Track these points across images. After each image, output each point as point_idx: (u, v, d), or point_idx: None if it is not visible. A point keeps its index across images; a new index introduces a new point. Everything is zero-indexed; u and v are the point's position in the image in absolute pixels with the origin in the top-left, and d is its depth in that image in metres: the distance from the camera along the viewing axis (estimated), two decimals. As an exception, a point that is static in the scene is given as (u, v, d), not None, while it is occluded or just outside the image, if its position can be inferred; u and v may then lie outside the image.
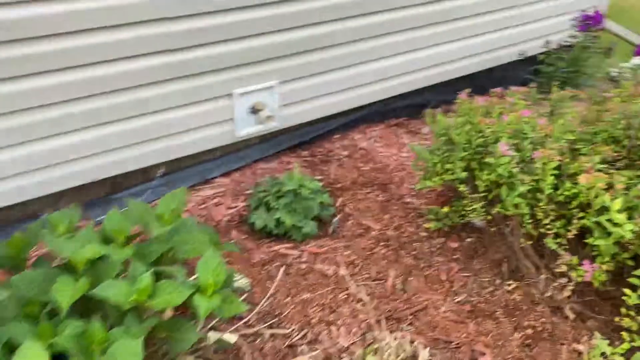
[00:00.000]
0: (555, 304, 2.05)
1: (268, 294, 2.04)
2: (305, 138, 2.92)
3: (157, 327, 1.50)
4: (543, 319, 2.00)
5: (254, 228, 2.31)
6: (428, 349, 1.81)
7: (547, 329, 1.97)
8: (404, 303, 2.06)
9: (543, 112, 2.21)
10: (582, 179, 1.75)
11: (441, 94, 3.30)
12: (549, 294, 2.06)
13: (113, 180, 2.41)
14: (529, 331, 1.96)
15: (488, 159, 1.95)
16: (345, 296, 2.06)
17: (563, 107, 2.11)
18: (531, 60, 3.45)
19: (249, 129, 2.58)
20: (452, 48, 3.19)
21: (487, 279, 2.19)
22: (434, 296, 2.10)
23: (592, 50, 3.01)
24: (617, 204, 1.70)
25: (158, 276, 1.47)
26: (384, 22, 2.81)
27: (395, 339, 1.81)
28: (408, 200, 2.63)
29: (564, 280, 2.00)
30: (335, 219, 2.39)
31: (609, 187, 1.76)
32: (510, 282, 2.14)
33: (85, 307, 1.45)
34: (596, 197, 1.73)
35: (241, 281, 1.87)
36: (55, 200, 2.28)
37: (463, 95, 2.25)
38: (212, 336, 1.70)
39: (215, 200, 2.52)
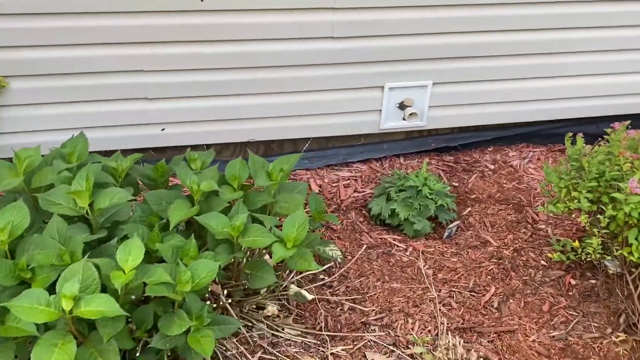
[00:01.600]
0: (668, 373, 1.81)
1: (362, 273, 2.17)
2: (452, 143, 2.93)
3: (244, 264, 1.75)
4: (645, 383, 1.79)
5: (370, 213, 2.44)
6: (482, 360, 1.77)
7: (646, 394, 1.76)
8: (492, 320, 2.01)
9: None
10: None
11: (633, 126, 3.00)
12: (663, 359, 1.82)
13: (268, 144, 2.74)
14: (621, 389, 1.77)
15: (616, 195, 1.79)
16: (434, 297, 2.08)
17: None
18: None
19: (394, 122, 2.71)
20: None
21: (596, 325, 2.01)
22: (528, 323, 2.01)
23: None
24: None
25: (256, 221, 1.71)
26: (559, 40, 2.68)
27: (464, 349, 1.80)
28: (542, 226, 2.50)
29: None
30: (453, 224, 2.40)
31: None
32: (620, 334, 1.93)
33: (198, 230, 1.76)
34: None
35: (335, 252, 2.03)
36: (220, 150, 2.68)
37: (617, 125, 2.07)
38: (293, 288, 1.90)
39: (348, 182, 2.71)
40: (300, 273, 2.04)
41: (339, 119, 2.67)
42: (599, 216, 1.87)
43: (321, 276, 2.13)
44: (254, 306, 1.90)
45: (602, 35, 2.69)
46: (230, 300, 1.76)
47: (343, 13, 2.36)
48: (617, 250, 1.91)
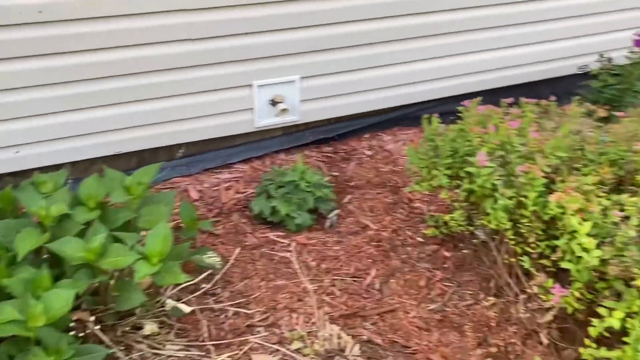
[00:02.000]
0: (533, 328, 1.95)
1: (246, 275, 2.15)
2: (329, 135, 2.98)
3: (113, 285, 1.67)
4: (513, 340, 1.92)
5: (253, 213, 2.43)
6: (358, 345, 1.82)
7: (515, 350, 1.89)
8: (375, 302, 2.07)
9: (551, 127, 2.10)
10: (553, 198, 1.67)
11: (491, 102, 3.19)
12: (527, 315, 1.96)
13: (140, 154, 2.63)
14: (493, 349, 1.89)
15: (469, 169, 1.90)
16: (317, 287, 2.11)
17: (568, 124, 1.99)
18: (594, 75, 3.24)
19: (268, 120, 2.70)
20: (498, 56, 3.08)
21: (470, 292, 2.13)
22: (408, 300, 2.08)
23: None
24: (586, 227, 1.60)
25: (118, 240, 1.64)
26: (422, 24, 2.79)
27: (346, 335, 1.84)
28: (417, 205, 2.61)
29: (547, 303, 1.90)
30: (333, 213, 2.44)
31: (583, 209, 1.65)
32: (491, 298, 2.07)
33: (54, 258, 1.65)
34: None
35: (213, 258, 1.99)
36: (87, 167, 2.54)
37: (468, 103, 2.19)
38: (170, 303, 1.84)
39: (229, 184, 2.67)
40: (179, 285, 1.98)
41: (212, 121, 2.63)
42: (456, 191, 1.98)
43: (203, 285, 2.08)
44: (131, 327, 1.82)
45: (452, 18, 2.83)
46: (100, 326, 1.67)
47: (198, 14, 2.31)
48: (479, 220, 2.04)
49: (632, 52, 2.84)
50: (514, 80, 3.19)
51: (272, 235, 2.37)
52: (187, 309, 1.87)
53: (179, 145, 2.67)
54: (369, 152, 2.98)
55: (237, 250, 2.25)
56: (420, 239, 2.38)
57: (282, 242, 2.33)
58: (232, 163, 2.79)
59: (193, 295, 2.02)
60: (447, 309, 2.05)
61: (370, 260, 2.26)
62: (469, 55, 3.01)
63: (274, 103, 2.66)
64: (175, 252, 1.72)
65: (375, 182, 2.75)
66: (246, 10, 2.39)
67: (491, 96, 3.13)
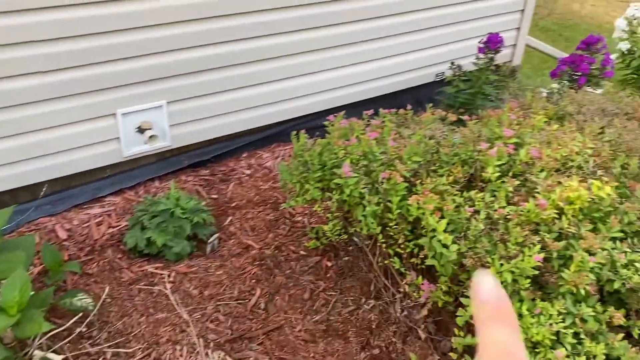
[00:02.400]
0: (411, 325, 2.06)
1: (124, 313, 2.06)
2: (205, 157, 2.94)
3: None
4: (394, 339, 2.01)
5: (127, 247, 2.33)
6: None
7: (396, 349, 1.98)
8: (260, 322, 2.07)
9: (409, 134, 2.24)
10: (411, 200, 1.78)
11: (360, 113, 3.33)
12: (405, 314, 2.07)
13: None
14: (376, 351, 1.97)
15: (337, 180, 1.97)
16: (201, 315, 2.07)
17: (422, 130, 2.14)
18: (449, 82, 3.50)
19: (137, 148, 2.61)
20: (361, 70, 3.23)
21: (352, 298, 2.20)
22: (293, 315, 2.11)
23: (495, 72, 3.05)
24: (442, 224, 1.72)
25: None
26: (286, 43, 2.85)
27: (217, 359, 1.82)
28: (299, 219, 2.65)
29: (422, 300, 2.01)
30: (213, 237, 2.41)
31: (440, 208, 1.78)
32: (371, 301, 2.15)
33: None
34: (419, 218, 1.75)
35: (85, 300, 1.89)
36: None
37: (332, 118, 2.28)
38: (38, 354, 1.72)
39: (100, 219, 2.54)
40: (49, 333, 1.85)
41: (76, 154, 2.49)
42: (328, 202, 2.05)
43: (78, 328, 1.95)
44: (-6, 388, 1.66)
45: (315, 36, 2.93)
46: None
47: (48, 46, 2.19)
48: (353, 228, 2.12)
49: (478, 58, 3.12)
50: (379, 91, 3.37)
51: (150, 268, 2.29)
52: (57, 357, 1.75)
53: (42, 183, 2.50)
54: (248, 171, 2.99)
55: (108, 288, 2.14)
56: (303, 252, 2.43)
57: (162, 274, 2.26)
58: (102, 196, 2.67)
59: (66, 341, 1.89)
60: (332, 318, 2.11)
61: (254, 280, 2.26)
62: (335, 71, 3.13)
63: (141, 130, 2.58)
64: (38, 299, 1.60)
65: (256, 200, 2.77)
66: (103, 38, 2.30)
67: (359, 108, 3.27)
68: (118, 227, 2.49)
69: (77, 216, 2.54)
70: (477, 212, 1.75)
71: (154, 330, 1.99)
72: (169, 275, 2.25)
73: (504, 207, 1.72)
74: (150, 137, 2.53)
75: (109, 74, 2.38)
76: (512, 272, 1.61)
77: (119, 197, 2.68)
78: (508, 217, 1.70)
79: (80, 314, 1.92)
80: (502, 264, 1.64)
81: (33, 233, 2.35)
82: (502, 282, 1.65)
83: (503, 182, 1.81)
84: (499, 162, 1.85)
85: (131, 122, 2.53)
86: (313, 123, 3.28)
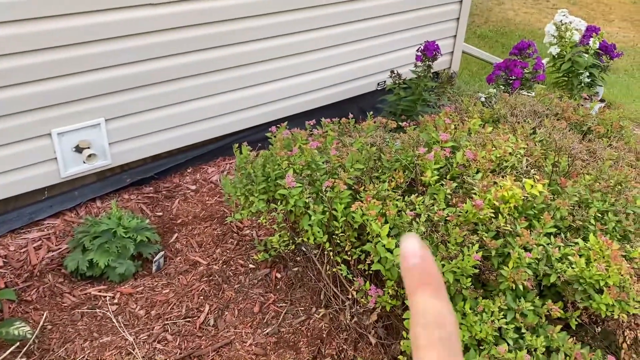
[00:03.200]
0: (361, 331, 2.07)
1: (66, 339, 1.98)
2: (149, 174, 2.88)
3: None
4: (345, 346, 2.02)
5: (69, 270, 2.25)
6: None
7: (348, 356, 1.99)
8: (210, 339, 2.04)
9: (350, 142, 2.26)
10: (353, 207, 1.80)
11: (303, 124, 3.35)
12: (354, 320, 2.08)
13: None
14: (328, 360, 1.97)
15: (282, 191, 1.97)
16: (147, 336, 2.01)
17: (362, 138, 2.17)
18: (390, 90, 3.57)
19: (76, 168, 2.53)
20: (309, 79, 3.25)
21: (302, 308, 2.20)
22: (243, 330, 2.08)
23: (434, 79, 3.13)
24: (385, 229, 1.74)
25: None
26: (232, 55, 2.84)
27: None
28: (247, 232, 2.63)
29: (371, 305, 2.02)
30: (159, 256, 2.36)
31: (383, 214, 1.80)
32: (321, 310, 2.15)
33: None
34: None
35: (22, 329, 1.80)
36: None
37: (274, 129, 2.28)
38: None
39: (39, 243, 2.44)
40: (-17, 367, 1.76)
41: (9, 177, 2.39)
42: (273, 213, 2.04)
43: (17, 358, 1.87)
44: None
45: (251, 48, 2.93)
46: None
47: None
48: (300, 238, 2.12)
49: (416, 66, 3.19)
50: (323, 101, 3.40)
51: (93, 290, 2.21)
52: (-8, 392, 1.66)
53: (-27, 209, 2.39)
54: (194, 187, 2.94)
55: (48, 314, 2.06)
56: (252, 265, 2.41)
57: (105, 296, 2.19)
58: (41, 219, 2.57)
59: (3, 374, 1.80)
60: (282, 330, 2.09)
61: (203, 297, 2.22)
62: (279, 82, 3.13)
63: (79, 149, 2.51)
64: (-33, 331, 1.52)
65: (203, 216, 2.73)
66: (30, 56, 2.23)
67: (303, 119, 3.30)
68: (58, 251, 2.41)
69: (14, 241, 2.43)
70: (418, 215, 1.79)
71: (98, 354, 1.93)
72: (112, 297, 2.18)
73: (443, 209, 1.76)
74: (89, 156, 2.46)
75: (40, 92, 2.31)
76: (454, 272, 1.65)
77: (58, 220, 2.59)
78: (447, 218, 1.74)
79: (18, 344, 1.83)
80: (443, 265, 1.68)
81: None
82: (445, 283, 1.69)
83: (442, 184, 1.86)
84: (437, 166, 1.89)
85: (68, 141, 2.46)
86: (258, 135, 3.27)
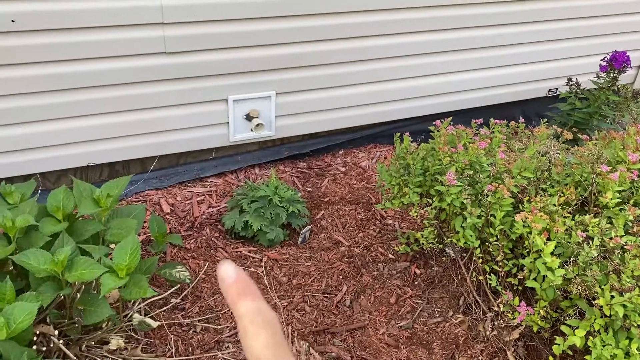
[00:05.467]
0: (500, 345, 1.97)
1: (216, 291, 2.13)
2: (304, 150, 2.99)
3: (77, 299, 1.64)
4: (480, 358, 1.94)
5: (225, 228, 2.42)
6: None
7: (482, 368, 1.91)
8: (345, 319, 2.07)
9: (519, 148, 2.15)
10: (518, 217, 1.70)
11: (463, 121, 3.25)
12: (494, 333, 1.99)
13: (112, 166, 2.61)
14: (460, 367, 1.91)
15: (439, 187, 1.93)
16: (288, 303, 2.10)
17: (535, 145, 2.04)
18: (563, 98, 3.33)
19: (243, 134, 2.70)
20: (470, 77, 3.14)
21: (439, 310, 2.15)
22: (377, 317, 2.09)
23: (616, 93, 2.85)
24: (550, 247, 1.63)
25: (85, 253, 1.62)
26: (396, 44, 2.83)
27: (300, 348, 1.83)
28: (389, 222, 2.63)
29: (514, 322, 1.93)
30: (306, 229, 2.44)
31: (548, 229, 1.69)
32: (459, 315, 2.09)
33: (18, 272, 1.62)
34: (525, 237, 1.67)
35: (182, 273, 1.98)
36: (58, 177, 2.51)
37: (438, 123, 2.23)
38: (137, 317, 1.82)
39: (202, 198, 2.66)
40: (147, 299, 1.96)
41: (186, 134, 2.62)
42: (427, 208, 2.01)
43: (172, 299, 2.06)
44: (97, 342, 1.78)
45: (427, 39, 2.89)
46: (64, 341, 1.64)
47: (173, 28, 2.31)
48: (448, 238, 2.06)
49: (598, 77, 2.93)
50: (486, 101, 3.26)
51: (244, 250, 2.36)
52: (154, 323, 1.84)
53: (153, 158, 2.65)
54: (343, 169, 3.00)
55: (205, 264, 2.23)
56: (391, 256, 2.40)
57: (254, 258, 2.32)
58: (205, 177, 2.78)
59: (161, 309, 1.99)
60: (417, 326, 2.07)
61: (342, 277, 2.26)
62: (442, 76, 3.06)
63: (249, 118, 2.67)
64: (144, 265, 1.70)
65: (349, 198, 2.77)
66: (227, 25, 2.40)
67: (463, 116, 3.20)
68: (217, 208, 2.59)
69: (181, 193, 2.67)
70: (590, 238, 1.65)
71: (242, 311, 2.05)
72: (260, 260, 2.31)
73: (621, 236, 1.60)
74: (257, 125, 2.61)
75: (225, 60, 2.48)
76: (624, 307, 1.50)
77: (220, 179, 2.79)
78: (625, 247, 1.58)
79: (178, 286, 2.02)
80: (613, 296, 1.53)
81: (141, 204, 2.50)
82: (610, 316, 1.54)
83: (622, 209, 1.69)
84: (620, 188, 1.72)
85: (241, 109, 2.62)
86: (413, 127, 3.23)
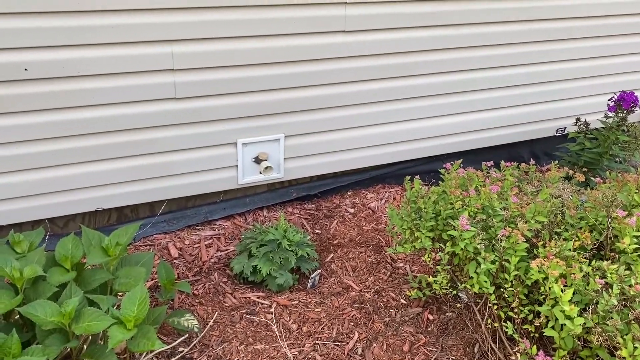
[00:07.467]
0: (518, 396, 1.90)
1: (225, 339, 2.09)
2: (312, 192, 2.98)
3: (84, 351, 1.60)
4: (498, 409, 1.87)
5: (233, 272, 2.38)
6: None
7: (500, 420, 1.84)
8: (356, 368, 2.02)
9: (531, 191, 2.13)
10: (534, 264, 1.66)
11: (472, 162, 3.24)
12: (512, 383, 1.92)
13: (121, 210, 2.60)
14: (478, 419, 1.84)
15: (452, 232, 1.90)
16: (298, 352, 2.05)
17: (548, 189, 2.02)
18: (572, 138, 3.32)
19: (252, 177, 2.70)
20: (478, 117, 3.15)
21: (454, 358, 2.09)
22: (390, 366, 2.03)
23: (625, 133, 2.84)
24: (568, 294, 1.59)
25: (93, 303, 1.59)
26: (403, 87, 2.84)
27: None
28: (400, 265, 2.59)
29: (531, 370, 1.86)
30: (315, 273, 2.41)
31: (564, 275, 1.65)
32: (475, 364, 2.03)
33: (25, 323, 1.59)
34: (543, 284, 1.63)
35: (191, 321, 1.94)
36: (66, 222, 2.50)
37: (448, 166, 2.22)
38: (144, 370, 1.78)
39: (210, 241, 2.63)
40: (154, 350, 1.91)
41: (195, 178, 2.61)
42: (439, 253, 1.97)
43: (180, 348, 2.01)
44: (103, 394, 1.73)
45: (431, 81, 2.90)
46: (69, 395, 1.60)
47: (183, 74, 2.34)
48: (462, 283, 2.02)
49: (607, 116, 2.93)
50: (494, 141, 3.26)
51: (252, 295, 2.32)
52: (162, 375, 1.80)
53: (162, 202, 2.64)
54: (352, 210, 2.98)
55: (216, 312, 2.19)
56: (403, 301, 2.35)
57: (263, 303, 2.28)
58: (214, 219, 2.77)
59: (171, 359, 1.95)
60: (431, 376, 2.01)
61: (353, 323, 2.21)
62: (450, 117, 3.07)
63: (258, 160, 2.67)
64: (152, 315, 1.67)
65: (358, 240, 2.74)
66: (236, 70, 2.42)
67: (472, 156, 3.20)
68: (226, 252, 2.57)
69: (190, 236, 2.65)
70: (608, 285, 1.61)
71: (251, 360, 2.00)
72: (269, 306, 2.27)
73: (641, 284, 1.56)
74: (266, 167, 2.61)
75: (235, 104, 2.50)
76: (649, 359, 1.45)
77: (229, 222, 2.77)
78: (646, 295, 1.53)
79: (186, 335, 1.97)
80: (636, 347, 1.48)
81: (149, 250, 2.47)
82: (634, 368, 1.49)
83: (640, 255, 1.65)
84: (637, 233, 1.69)
85: (250, 152, 2.63)
86: (421, 168, 3.23)
